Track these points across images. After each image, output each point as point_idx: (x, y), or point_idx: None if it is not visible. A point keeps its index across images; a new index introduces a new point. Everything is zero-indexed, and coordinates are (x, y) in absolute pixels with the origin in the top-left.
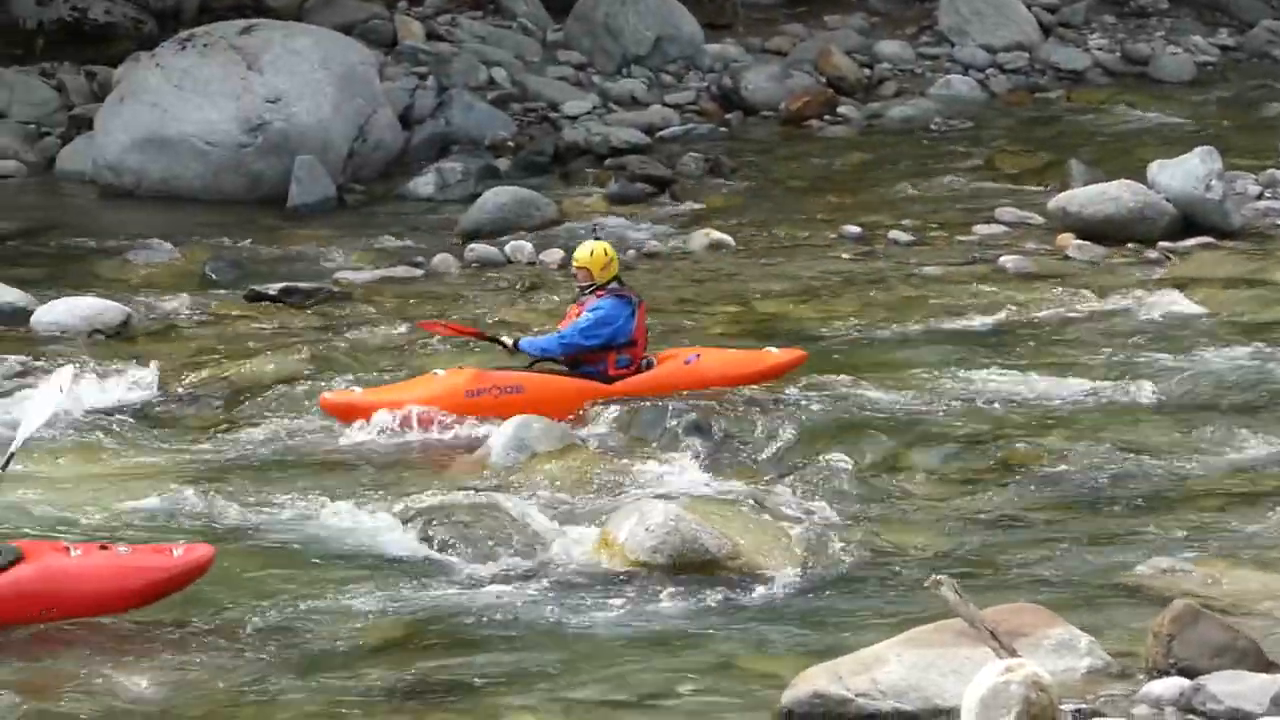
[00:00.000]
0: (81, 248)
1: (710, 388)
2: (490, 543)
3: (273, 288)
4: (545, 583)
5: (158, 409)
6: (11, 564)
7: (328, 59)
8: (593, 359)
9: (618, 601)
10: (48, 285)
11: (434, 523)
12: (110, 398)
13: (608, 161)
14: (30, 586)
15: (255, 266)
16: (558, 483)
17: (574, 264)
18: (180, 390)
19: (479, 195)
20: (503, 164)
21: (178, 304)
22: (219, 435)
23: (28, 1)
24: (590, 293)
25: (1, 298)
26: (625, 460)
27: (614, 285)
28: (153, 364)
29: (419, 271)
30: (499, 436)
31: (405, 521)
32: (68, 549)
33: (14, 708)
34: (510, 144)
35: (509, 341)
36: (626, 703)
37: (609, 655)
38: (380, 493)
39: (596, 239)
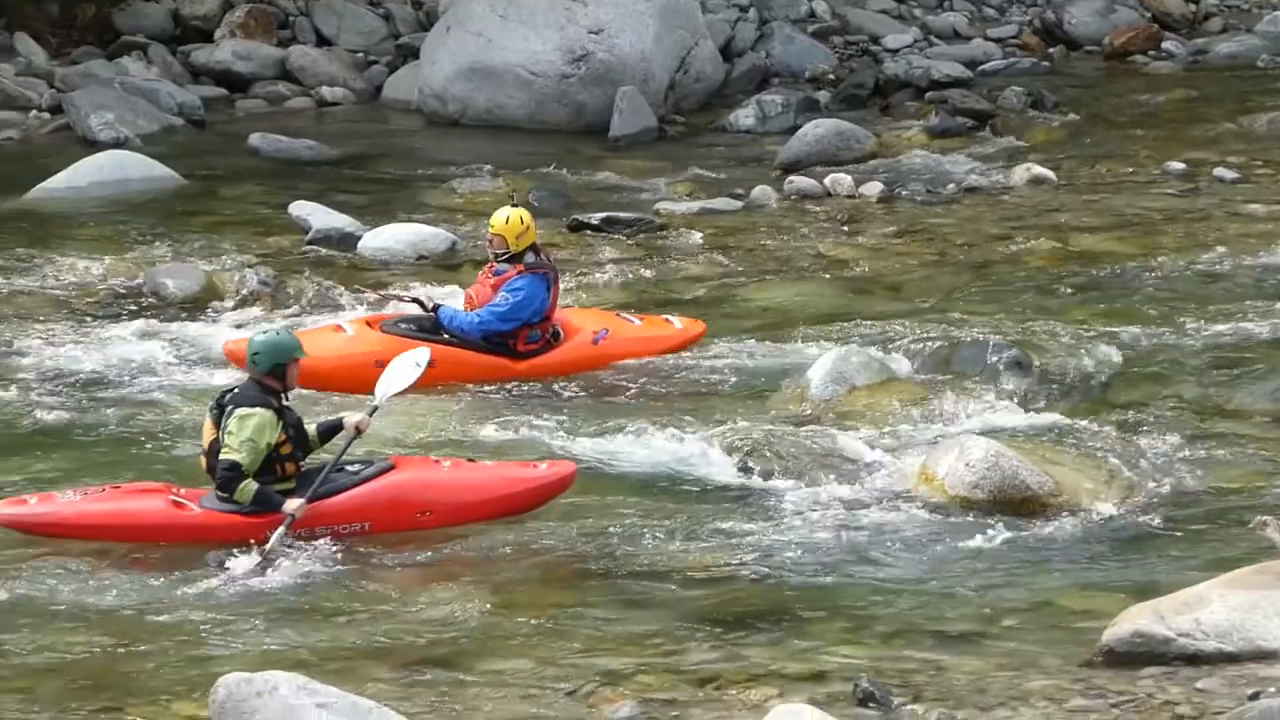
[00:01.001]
0: (408, 175)
1: (620, 361)
2: (809, 475)
3: (595, 217)
4: (863, 516)
5: None
6: (386, 472)
7: None
8: (504, 335)
9: (936, 536)
10: (375, 212)
11: (755, 453)
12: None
13: (928, 95)
14: (405, 491)
15: (577, 196)
16: (877, 416)
17: (489, 230)
18: None
19: (799, 128)
20: (822, 97)
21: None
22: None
23: None
24: (505, 260)
25: (331, 223)
26: (944, 395)
27: (530, 257)
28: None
29: (739, 203)
30: (818, 369)
31: (728, 451)
32: (438, 462)
33: (368, 604)
34: (831, 77)
35: (429, 305)
36: (946, 638)
37: (928, 590)
38: (704, 422)
39: (514, 205)
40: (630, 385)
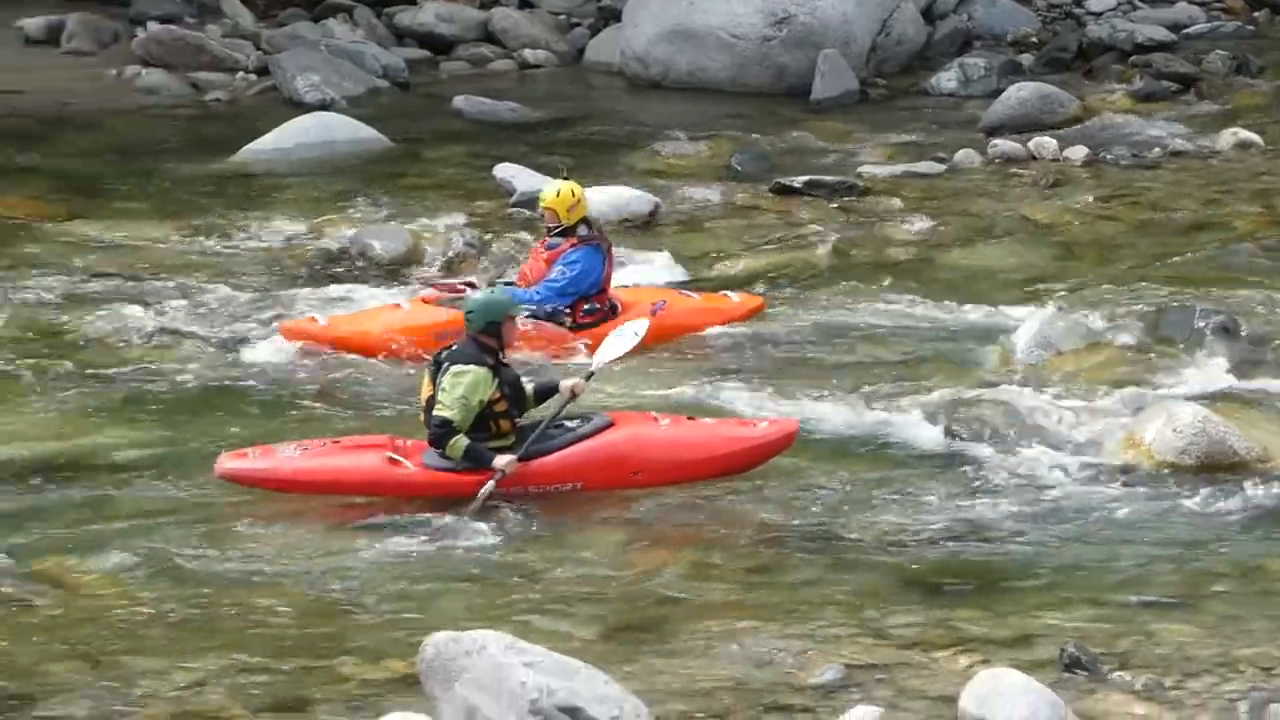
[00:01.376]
0: (610, 137)
1: (676, 336)
2: (1013, 439)
3: (797, 180)
4: (1068, 481)
5: None
6: (602, 429)
7: None
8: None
9: (1143, 502)
10: (578, 174)
11: (958, 417)
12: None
13: (1132, 59)
14: (621, 450)
15: (779, 159)
16: (1082, 381)
17: (540, 205)
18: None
19: (1001, 91)
20: (1025, 60)
21: (704, 195)
22: (749, 323)
23: None
24: (558, 234)
25: (535, 185)
26: (1150, 360)
27: (582, 230)
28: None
29: (941, 167)
30: (1023, 332)
31: (931, 415)
32: (656, 419)
33: (573, 563)
34: (1033, 40)
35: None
36: (1152, 604)
37: (1134, 556)
38: (907, 385)
39: (565, 178)
40: (833, 346)
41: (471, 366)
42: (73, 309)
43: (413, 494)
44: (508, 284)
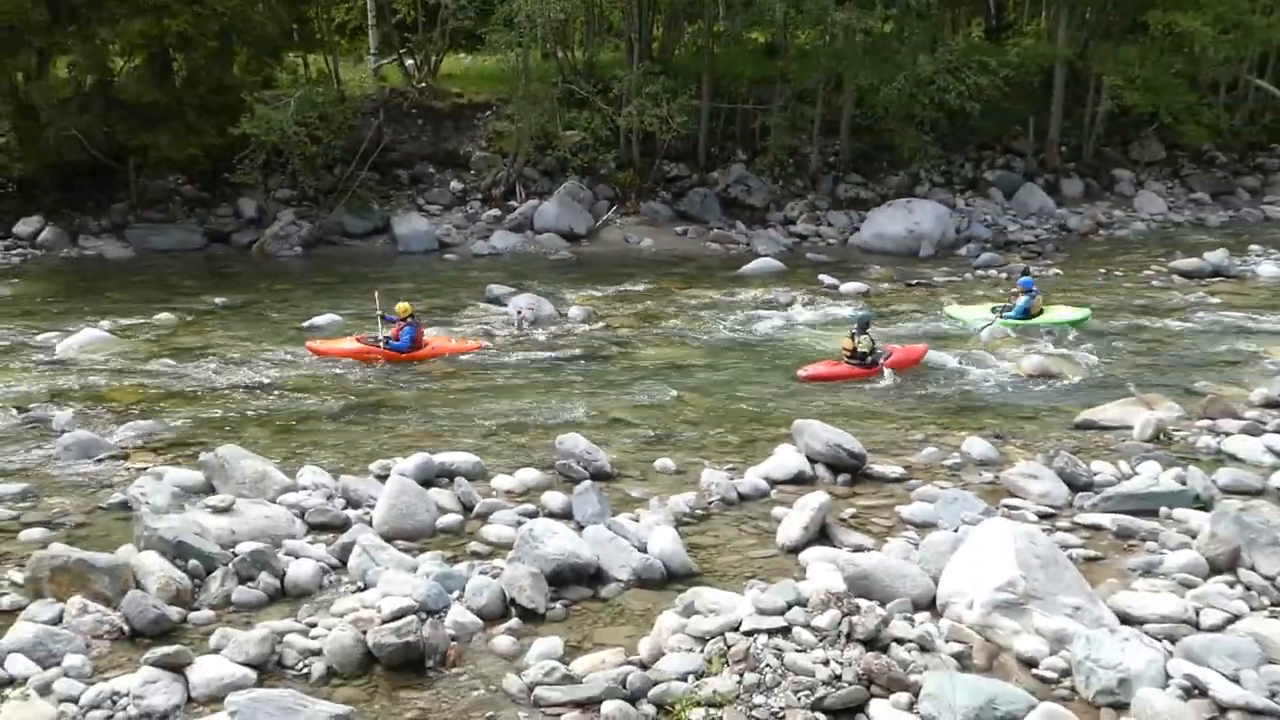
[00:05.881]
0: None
1: (438, 356)
2: (967, 365)
3: (913, 280)
4: (990, 380)
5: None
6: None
7: (931, 210)
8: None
9: (1021, 388)
10: (837, 273)
11: (958, 352)
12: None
13: (1023, 248)
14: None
15: (910, 274)
16: (1002, 351)
17: (396, 310)
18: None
19: (979, 255)
20: (989, 245)
21: (886, 288)
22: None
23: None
24: (402, 321)
25: (852, 286)
26: (1030, 341)
27: (411, 319)
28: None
29: (958, 278)
30: (984, 333)
31: (954, 356)
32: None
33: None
34: (991, 240)
35: (384, 340)
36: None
37: (1011, 402)
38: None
39: (406, 303)
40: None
41: (867, 334)
42: (670, 316)
43: (854, 377)
44: (385, 336)
